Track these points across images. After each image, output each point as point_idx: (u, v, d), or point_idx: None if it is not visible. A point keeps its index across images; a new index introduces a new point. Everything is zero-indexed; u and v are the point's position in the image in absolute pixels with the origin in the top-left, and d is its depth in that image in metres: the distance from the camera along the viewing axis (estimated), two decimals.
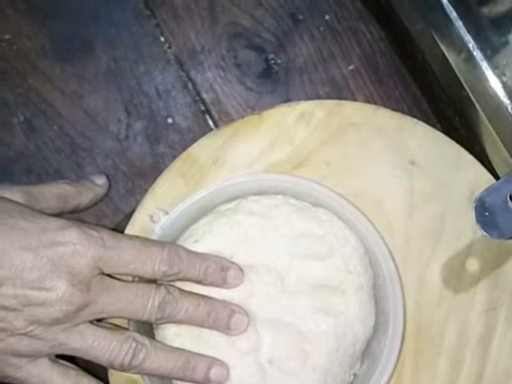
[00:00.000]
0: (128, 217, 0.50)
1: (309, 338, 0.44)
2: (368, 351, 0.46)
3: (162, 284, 0.44)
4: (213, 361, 0.44)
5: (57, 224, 0.42)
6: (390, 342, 0.45)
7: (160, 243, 0.44)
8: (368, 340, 0.46)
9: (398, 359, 0.45)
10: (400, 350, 0.46)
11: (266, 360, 0.44)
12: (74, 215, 0.51)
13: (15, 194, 0.45)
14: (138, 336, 0.43)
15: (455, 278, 0.48)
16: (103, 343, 0.42)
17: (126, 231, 0.49)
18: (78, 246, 0.41)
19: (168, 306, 0.43)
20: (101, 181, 0.50)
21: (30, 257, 0.40)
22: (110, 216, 0.53)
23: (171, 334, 0.45)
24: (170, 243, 0.45)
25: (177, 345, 0.44)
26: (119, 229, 0.50)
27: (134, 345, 0.42)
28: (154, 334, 0.46)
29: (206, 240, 0.45)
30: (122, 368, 0.42)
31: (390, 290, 0.45)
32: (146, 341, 0.43)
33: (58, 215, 0.45)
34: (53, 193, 0.46)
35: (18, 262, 0.40)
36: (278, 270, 0.45)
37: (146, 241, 0.44)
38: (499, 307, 0.48)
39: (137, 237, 0.45)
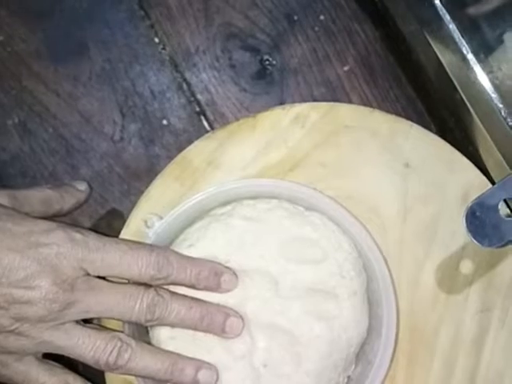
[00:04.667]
0: (123, 218, 0.50)
1: (302, 343, 0.44)
2: (362, 354, 0.47)
3: (151, 286, 0.44)
4: (201, 363, 0.44)
5: (43, 226, 0.43)
6: (384, 345, 0.45)
7: (149, 247, 0.45)
8: (362, 343, 0.46)
9: (391, 362, 0.46)
10: (393, 353, 0.46)
11: (261, 364, 0.44)
12: (70, 217, 0.51)
13: (2, 197, 0.45)
14: (123, 336, 0.43)
15: (449, 279, 0.48)
16: (88, 341, 0.42)
17: (121, 234, 0.49)
18: (61, 248, 0.42)
19: (158, 308, 0.43)
20: (82, 187, 0.50)
21: (17, 257, 0.41)
22: (106, 218, 0.53)
23: (165, 338, 0.45)
24: (160, 247, 0.46)
25: (171, 348, 0.45)
26: (114, 231, 0.51)
27: (119, 344, 0.43)
28: (149, 337, 0.46)
29: (200, 244, 0.46)
30: (108, 367, 0.43)
31: (383, 294, 0.46)
32: (132, 341, 0.43)
33: (43, 219, 0.45)
34: (37, 197, 0.47)
35: (5, 262, 0.41)
36: (272, 275, 0.45)
37: (134, 244, 0.45)
38: (492, 308, 0.48)
39: (125, 240, 0.45)
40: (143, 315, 0.43)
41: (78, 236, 0.43)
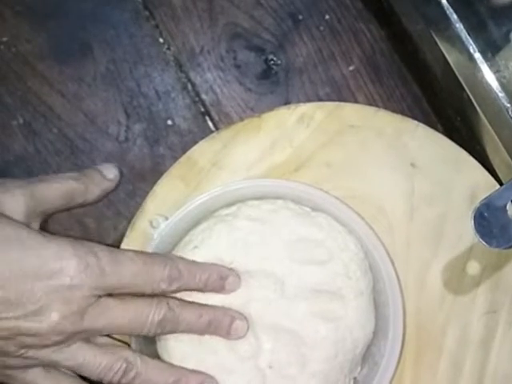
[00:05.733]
0: (129, 219, 0.50)
1: (308, 344, 0.44)
2: (368, 355, 0.46)
3: (162, 298, 0.43)
4: (205, 378, 0.44)
5: (53, 250, 0.41)
6: (390, 346, 0.45)
7: (162, 260, 0.43)
8: (368, 344, 0.46)
9: (397, 364, 0.45)
10: (400, 355, 0.46)
11: (266, 365, 0.44)
12: (76, 219, 0.51)
13: (17, 197, 0.44)
14: (129, 355, 0.43)
15: (456, 280, 0.48)
16: (93, 361, 0.42)
17: (127, 235, 0.49)
18: (74, 280, 0.40)
19: (168, 323, 0.43)
20: (112, 174, 0.49)
21: (26, 291, 0.40)
22: (111, 219, 0.53)
23: (172, 341, 0.45)
24: (170, 258, 0.44)
25: (178, 351, 0.44)
26: (120, 231, 0.51)
27: (124, 365, 0.43)
28: (155, 340, 0.46)
29: (205, 246, 0.45)
30: None
31: (390, 295, 0.45)
32: (138, 359, 0.43)
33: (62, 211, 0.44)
34: (58, 193, 0.45)
35: (13, 296, 0.40)
36: (277, 276, 0.45)
37: (147, 259, 0.43)
38: (500, 310, 0.48)
39: (138, 254, 0.43)
40: (153, 330, 0.43)
41: (91, 261, 0.41)
